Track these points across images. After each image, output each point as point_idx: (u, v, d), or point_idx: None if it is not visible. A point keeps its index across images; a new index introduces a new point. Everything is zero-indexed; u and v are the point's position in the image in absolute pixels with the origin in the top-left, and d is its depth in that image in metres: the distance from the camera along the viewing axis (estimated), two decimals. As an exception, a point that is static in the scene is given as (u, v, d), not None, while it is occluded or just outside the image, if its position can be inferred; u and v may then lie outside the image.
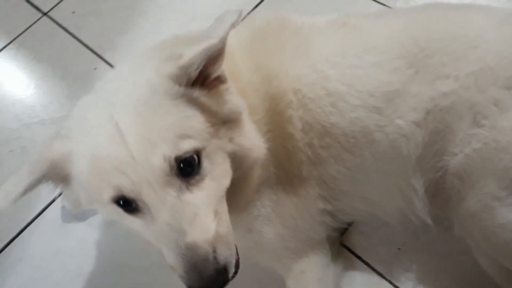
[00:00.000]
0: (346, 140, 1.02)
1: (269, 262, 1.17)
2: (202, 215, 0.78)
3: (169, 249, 0.76)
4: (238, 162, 0.88)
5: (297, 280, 1.14)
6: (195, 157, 0.79)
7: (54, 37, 1.99)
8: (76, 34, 1.97)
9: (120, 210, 0.81)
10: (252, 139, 0.93)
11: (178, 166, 0.77)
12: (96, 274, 1.40)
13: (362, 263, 1.19)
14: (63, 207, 1.52)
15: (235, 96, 0.89)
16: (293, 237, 1.10)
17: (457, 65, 0.94)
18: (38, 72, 1.92)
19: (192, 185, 0.79)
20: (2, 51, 2.02)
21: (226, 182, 0.85)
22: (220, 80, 0.86)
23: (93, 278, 1.40)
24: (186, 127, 0.80)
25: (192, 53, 0.79)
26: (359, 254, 1.21)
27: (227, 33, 0.79)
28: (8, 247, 1.52)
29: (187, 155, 0.78)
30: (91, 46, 1.92)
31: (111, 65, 1.83)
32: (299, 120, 1.02)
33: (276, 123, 1.02)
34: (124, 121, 0.77)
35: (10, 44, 2.02)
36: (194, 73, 0.81)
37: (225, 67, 0.86)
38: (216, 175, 0.82)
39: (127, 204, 0.79)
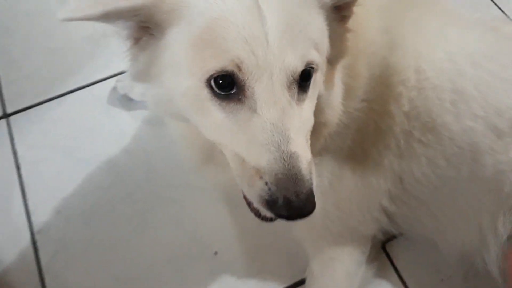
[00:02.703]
0: (450, 146, 0.89)
1: (302, 235, 1.06)
2: (302, 133, 0.70)
3: (267, 150, 0.65)
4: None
5: (324, 265, 1.03)
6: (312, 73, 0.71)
7: None
8: None
9: (206, 91, 0.68)
10: (336, 98, 0.84)
11: (301, 74, 0.68)
12: (120, 165, 1.33)
13: (397, 277, 1.07)
14: (114, 89, 1.44)
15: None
16: (340, 220, 0.99)
17: None
18: None
19: (299, 101, 0.70)
20: None
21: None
22: (345, 19, 0.78)
23: (116, 168, 1.33)
24: (321, 39, 0.73)
25: None
26: (398, 266, 1.09)
27: None
28: (48, 102, 1.46)
29: (313, 66, 0.70)
30: None
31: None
32: (408, 102, 0.89)
33: (378, 95, 0.89)
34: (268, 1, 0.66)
35: None
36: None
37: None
38: (312, 105, 0.74)
39: (225, 86, 0.67)
